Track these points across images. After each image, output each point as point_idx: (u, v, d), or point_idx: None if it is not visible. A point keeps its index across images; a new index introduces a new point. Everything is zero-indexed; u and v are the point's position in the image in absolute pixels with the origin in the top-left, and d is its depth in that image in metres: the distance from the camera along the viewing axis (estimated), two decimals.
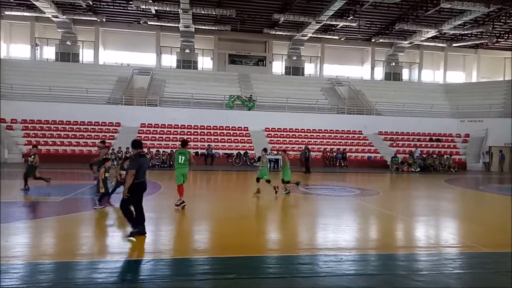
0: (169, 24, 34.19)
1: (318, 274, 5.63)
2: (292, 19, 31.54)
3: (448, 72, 41.42)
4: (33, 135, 25.36)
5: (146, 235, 7.25)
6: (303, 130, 29.62)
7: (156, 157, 24.06)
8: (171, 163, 21.68)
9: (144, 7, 29.69)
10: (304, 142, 26.84)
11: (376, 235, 8.60)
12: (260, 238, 7.81)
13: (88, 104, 28.01)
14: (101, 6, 31.93)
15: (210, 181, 18.62)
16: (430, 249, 7.19)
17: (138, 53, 37.60)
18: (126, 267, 5.82)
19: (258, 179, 13.02)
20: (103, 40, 37.17)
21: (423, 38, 35.88)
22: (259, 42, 39.27)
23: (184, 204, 10.05)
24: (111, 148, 23.60)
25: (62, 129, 26.47)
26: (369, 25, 34.73)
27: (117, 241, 7.04)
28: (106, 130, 26.96)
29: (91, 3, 29.87)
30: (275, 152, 25.08)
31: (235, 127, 29.33)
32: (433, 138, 30.74)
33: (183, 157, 10.13)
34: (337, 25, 33.68)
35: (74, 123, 26.94)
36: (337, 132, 30.11)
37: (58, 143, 25.19)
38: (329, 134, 29.79)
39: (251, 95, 31.10)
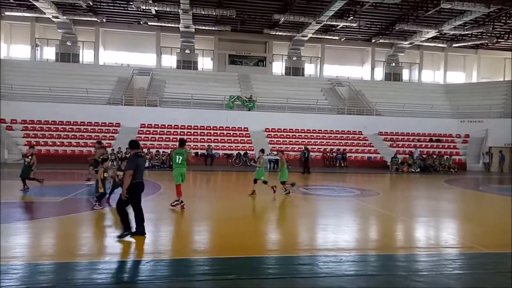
0: (169, 25, 34.20)
1: (317, 274, 5.63)
2: (292, 19, 31.53)
3: (448, 72, 41.40)
4: (33, 135, 25.36)
5: (145, 235, 7.25)
6: (303, 131, 29.62)
7: (156, 158, 24.06)
8: (171, 163, 21.67)
9: (144, 7, 29.69)
10: (304, 143, 26.83)
11: (376, 235, 8.60)
12: (260, 238, 7.80)
13: (88, 104, 28.01)
14: (101, 6, 31.94)
15: (210, 182, 18.62)
16: (430, 249, 7.19)
17: (138, 54, 37.60)
18: (126, 268, 5.83)
19: (255, 180, 12.97)
20: (103, 40, 37.18)
21: (423, 39, 35.88)
22: (259, 42, 39.27)
23: (183, 204, 10.05)
24: (111, 148, 23.65)
25: (62, 129, 26.46)
26: (369, 26, 34.73)
27: (116, 241, 7.03)
28: (106, 131, 26.97)
29: (91, 4, 29.85)
30: (275, 153, 25.07)
31: (235, 127, 29.33)
32: (433, 138, 30.73)
33: (181, 157, 10.13)
34: (337, 25, 33.68)
35: (74, 123, 26.94)
36: (337, 132, 30.10)
37: (58, 143, 25.20)
38: (329, 135, 29.78)
39: (251, 96, 31.10)
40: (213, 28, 35.01)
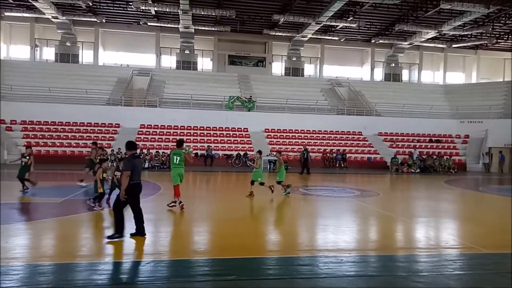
0: (168, 25, 34.19)
1: (318, 275, 5.63)
2: (291, 20, 31.54)
3: (447, 73, 41.43)
4: (33, 136, 25.33)
5: (145, 236, 7.25)
6: (302, 131, 29.62)
7: (156, 158, 24.05)
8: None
9: (143, 8, 29.70)
10: (304, 143, 26.82)
11: (376, 236, 8.60)
12: (260, 239, 7.80)
13: (88, 105, 27.99)
14: (101, 7, 31.94)
15: (209, 182, 18.61)
16: (430, 250, 7.19)
17: (138, 54, 37.60)
18: (126, 269, 5.82)
19: (252, 182, 12.91)
20: (103, 41, 37.18)
21: (423, 39, 35.90)
22: (258, 43, 39.28)
23: (182, 204, 10.04)
24: (111, 149, 23.64)
25: (61, 130, 26.44)
26: (369, 26, 34.76)
27: (116, 242, 7.02)
28: (106, 131, 26.96)
29: (90, 4, 29.85)
30: (274, 153, 25.08)
31: (234, 128, 29.32)
32: (433, 139, 30.74)
33: (178, 157, 10.12)
34: (337, 26, 33.70)
35: (74, 124, 26.92)
36: (337, 133, 30.11)
37: (58, 144, 25.17)
38: (329, 135, 29.78)
39: (250, 96, 31.10)
40: (213, 29, 35.02)
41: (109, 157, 20.27)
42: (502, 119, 30.09)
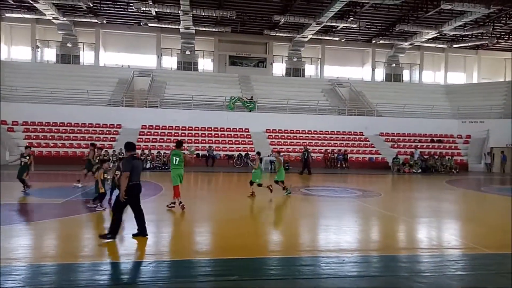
0: (169, 26, 34.21)
1: (320, 275, 5.63)
2: (292, 20, 31.54)
3: (448, 73, 41.40)
4: (34, 136, 25.37)
5: (147, 236, 7.25)
6: (304, 132, 29.62)
7: (157, 159, 24.07)
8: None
9: (144, 9, 29.72)
10: (305, 144, 26.82)
11: (378, 236, 8.59)
12: (262, 239, 7.80)
13: (89, 106, 28.02)
14: (102, 8, 31.98)
15: (211, 183, 18.61)
16: (432, 250, 7.18)
17: (139, 55, 37.63)
18: (128, 269, 5.83)
19: (251, 183, 12.92)
20: (104, 42, 37.22)
21: (424, 39, 35.88)
22: (259, 43, 39.29)
23: (182, 204, 10.04)
24: (112, 149, 23.67)
25: (63, 130, 26.47)
26: (369, 27, 34.75)
27: (118, 242, 7.03)
28: (107, 132, 26.99)
29: (91, 5, 29.88)
30: (276, 154, 25.06)
31: (236, 128, 29.32)
32: (434, 139, 30.71)
33: (178, 158, 10.13)
34: (338, 26, 33.70)
35: (75, 125, 26.96)
36: (338, 133, 30.11)
37: (59, 145, 25.21)
38: (330, 136, 29.78)
39: (251, 97, 31.10)
40: (213, 29, 35.04)
41: (110, 157, 20.34)
42: (503, 119, 30.05)
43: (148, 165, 23.06)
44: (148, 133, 27.59)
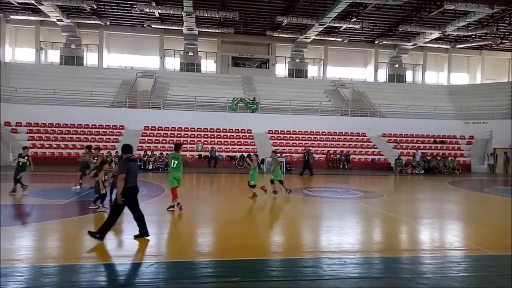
0: (172, 27, 34.31)
1: (322, 277, 5.62)
2: (295, 21, 31.54)
3: (452, 73, 41.25)
4: (38, 138, 25.48)
5: (149, 237, 7.27)
6: (306, 132, 29.61)
7: (160, 160, 24.11)
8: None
9: (147, 10, 29.83)
10: (308, 145, 26.79)
11: (380, 237, 8.57)
12: (263, 240, 7.80)
13: (92, 107, 28.13)
14: (105, 10, 32.11)
15: (213, 184, 18.63)
16: (434, 251, 7.15)
17: (142, 56, 37.76)
18: (130, 270, 5.84)
19: (250, 185, 12.93)
20: (107, 43, 37.36)
21: (427, 40, 35.77)
22: (262, 44, 39.31)
23: (180, 205, 10.05)
24: (115, 151, 23.72)
25: (66, 132, 26.60)
26: (372, 27, 34.70)
27: (120, 244, 7.05)
28: (110, 133, 27.08)
29: (95, 7, 30.03)
30: (278, 155, 25.04)
31: (238, 129, 29.32)
32: (437, 140, 30.60)
33: (176, 161, 10.17)
34: (340, 27, 33.68)
35: (78, 126, 27.08)
36: (341, 134, 30.06)
37: (63, 146, 25.34)
38: (333, 136, 29.74)
39: (254, 98, 31.12)
40: (216, 31, 35.10)
41: (113, 158, 20.41)
42: (506, 119, 29.88)
43: (150, 166, 23.10)
44: (151, 134, 27.65)
